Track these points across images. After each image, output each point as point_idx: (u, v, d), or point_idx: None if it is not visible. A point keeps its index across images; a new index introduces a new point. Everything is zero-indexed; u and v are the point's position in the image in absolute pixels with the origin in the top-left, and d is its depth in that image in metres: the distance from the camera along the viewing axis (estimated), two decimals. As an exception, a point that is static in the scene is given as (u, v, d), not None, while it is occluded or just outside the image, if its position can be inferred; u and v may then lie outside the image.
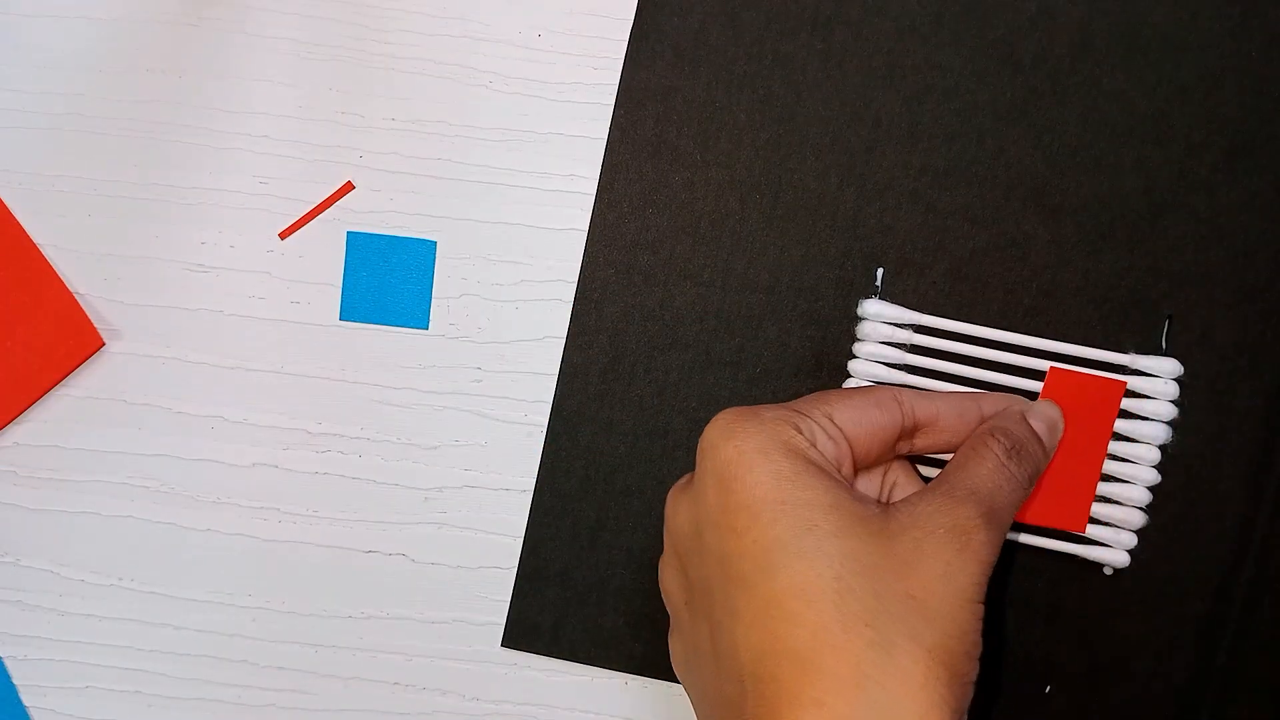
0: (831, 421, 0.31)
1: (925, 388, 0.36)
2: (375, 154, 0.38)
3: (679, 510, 0.31)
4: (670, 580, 0.32)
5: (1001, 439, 0.32)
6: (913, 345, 0.36)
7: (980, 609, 0.28)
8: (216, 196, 0.38)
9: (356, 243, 0.38)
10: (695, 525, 0.30)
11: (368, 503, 0.38)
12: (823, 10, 0.37)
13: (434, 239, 0.38)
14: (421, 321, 0.38)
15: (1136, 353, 0.36)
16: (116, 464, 0.38)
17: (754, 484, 0.28)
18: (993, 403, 0.34)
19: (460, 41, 0.38)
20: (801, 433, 0.30)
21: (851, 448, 0.31)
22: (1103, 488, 0.36)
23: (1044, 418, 0.34)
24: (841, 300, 0.37)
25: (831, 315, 0.37)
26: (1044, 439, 0.34)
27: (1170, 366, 0.36)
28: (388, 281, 0.38)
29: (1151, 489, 0.36)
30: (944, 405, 0.33)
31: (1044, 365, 0.36)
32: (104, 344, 0.38)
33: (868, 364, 0.36)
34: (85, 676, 0.38)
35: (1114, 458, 0.36)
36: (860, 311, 0.37)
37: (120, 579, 0.38)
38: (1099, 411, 0.36)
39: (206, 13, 0.38)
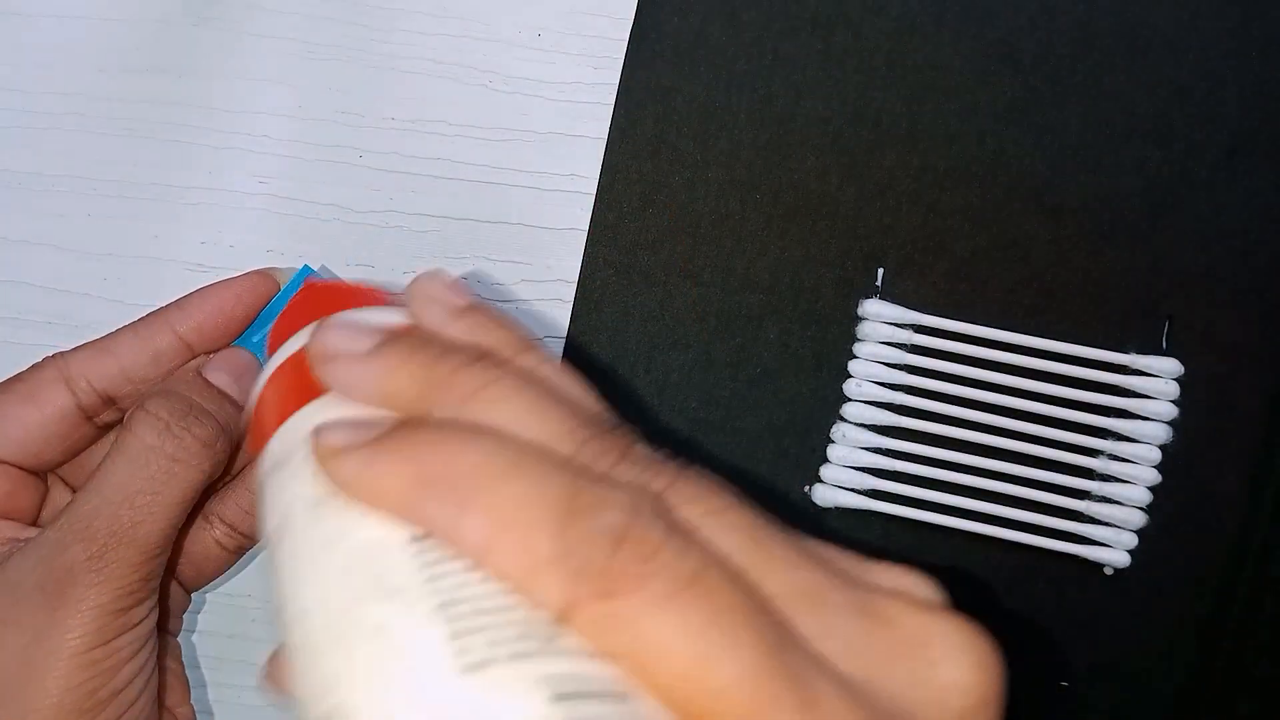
0: None
1: (925, 389, 0.36)
2: (375, 154, 0.38)
3: None
4: None
5: (155, 414, 0.27)
6: (913, 345, 0.36)
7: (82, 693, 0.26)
8: (216, 196, 0.38)
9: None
10: None
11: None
12: (823, 10, 0.37)
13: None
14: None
15: (1137, 353, 0.36)
16: (116, 464, 0.38)
17: None
18: (189, 320, 0.30)
19: (460, 41, 0.38)
20: None
21: (18, 463, 0.28)
22: (1103, 488, 0.36)
23: (226, 366, 0.30)
24: (841, 300, 0.37)
25: (831, 315, 0.37)
26: (230, 390, 0.29)
27: (1170, 366, 0.36)
28: None
29: (1151, 489, 0.36)
30: (128, 353, 0.29)
31: (1044, 365, 0.36)
32: None
33: (868, 364, 0.36)
34: (85, 676, 0.38)
35: (1114, 458, 0.36)
36: (860, 311, 0.37)
37: (120, 579, 0.38)
38: None
39: (206, 13, 0.38)
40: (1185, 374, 0.36)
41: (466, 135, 0.38)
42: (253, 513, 0.31)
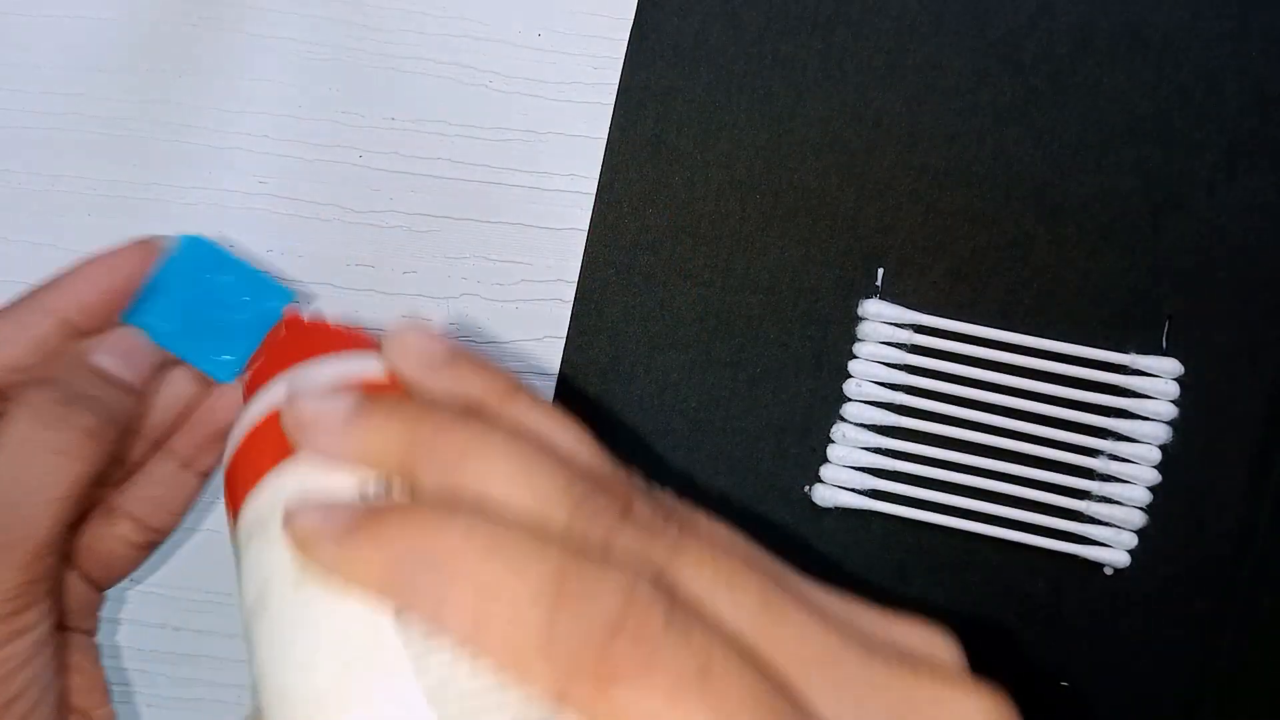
0: None
1: (925, 389, 0.36)
2: (375, 154, 0.38)
3: None
4: None
5: (32, 404, 0.26)
6: (913, 345, 0.36)
7: None
8: (216, 196, 0.38)
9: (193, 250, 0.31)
10: None
11: (368, 503, 0.38)
12: (823, 10, 0.37)
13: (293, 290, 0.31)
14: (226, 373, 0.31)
15: (1137, 353, 0.36)
16: (116, 464, 0.38)
17: None
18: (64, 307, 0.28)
19: (460, 41, 0.38)
20: None
21: None
22: (1103, 488, 0.36)
23: (113, 348, 0.28)
24: (841, 300, 0.37)
25: (831, 315, 0.37)
26: (123, 374, 0.27)
27: (1170, 366, 0.36)
28: (206, 310, 0.31)
29: (1151, 489, 0.36)
30: (5, 343, 0.27)
31: (1044, 365, 0.36)
32: None
33: (868, 364, 0.36)
34: (85, 676, 0.38)
35: (1114, 458, 0.36)
36: (860, 311, 0.37)
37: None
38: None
39: (206, 13, 0.38)
40: (1185, 374, 0.36)
41: (466, 135, 0.38)
42: (162, 505, 0.30)
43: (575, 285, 0.38)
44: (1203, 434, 0.36)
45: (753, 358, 0.37)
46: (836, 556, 0.37)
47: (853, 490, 0.36)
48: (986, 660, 0.39)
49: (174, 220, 0.38)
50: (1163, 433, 0.36)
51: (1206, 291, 0.36)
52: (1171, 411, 0.36)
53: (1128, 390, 0.36)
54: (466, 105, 0.38)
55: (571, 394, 0.37)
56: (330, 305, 0.38)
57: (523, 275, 0.38)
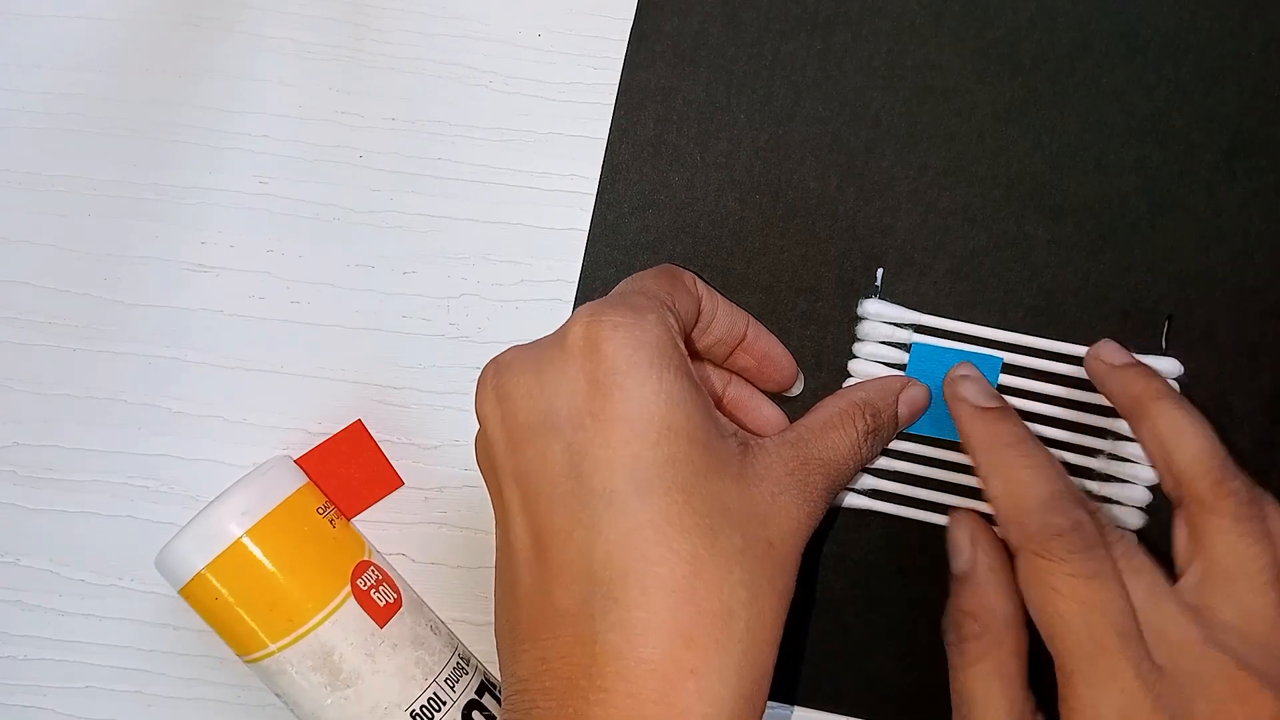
0: (680, 315, 0.31)
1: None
2: (375, 154, 0.38)
3: (523, 387, 0.29)
4: (483, 458, 0.31)
5: (869, 419, 0.33)
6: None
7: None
8: (216, 196, 0.38)
9: (921, 354, 0.36)
10: (545, 415, 0.28)
11: (368, 503, 0.38)
12: (823, 10, 0.37)
13: (999, 357, 0.36)
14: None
15: (1137, 352, 0.36)
16: (116, 464, 0.38)
17: (642, 401, 0.28)
18: (753, 326, 0.36)
19: (460, 41, 0.38)
20: (679, 344, 0.30)
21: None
22: (1103, 488, 0.36)
23: (911, 403, 0.35)
24: (841, 300, 0.37)
25: (831, 315, 0.37)
26: (902, 423, 0.35)
27: (1170, 366, 0.36)
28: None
29: (1151, 489, 0.36)
30: (719, 308, 0.34)
31: (1044, 365, 0.36)
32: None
33: (868, 364, 0.36)
34: (85, 676, 0.38)
35: (1114, 458, 0.36)
36: (860, 311, 0.37)
37: (120, 579, 0.38)
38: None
39: (206, 13, 0.38)
40: (1185, 374, 0.36)
41: (466, 135, 0.38)
42: None
43: (575, 285, 0.38)
44: (1203, 434, 0.36)
45: (753, 358, 0.37)
46: (836, 556, 0.37)
47: (853, 490, 0.37)
48: (986, 660, 0.39)
49: (174, 220, 0.38)
50: (1163, 433, 0.36)
51: (1206, 291, 0.36)
52: (1171, 411, 0.36)
53: (1128, 390, 0.36)
54: (466, 105, 0.38)
55: (571, 394, 0.37)
56: (330, 305, 0.38)
57: (523, 275, 0.38)
